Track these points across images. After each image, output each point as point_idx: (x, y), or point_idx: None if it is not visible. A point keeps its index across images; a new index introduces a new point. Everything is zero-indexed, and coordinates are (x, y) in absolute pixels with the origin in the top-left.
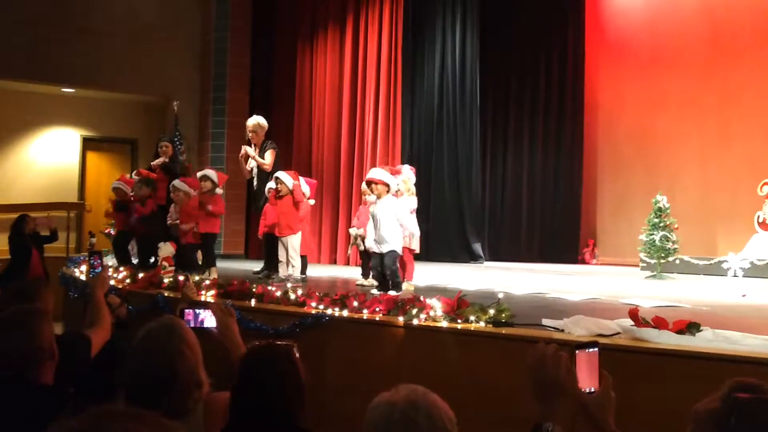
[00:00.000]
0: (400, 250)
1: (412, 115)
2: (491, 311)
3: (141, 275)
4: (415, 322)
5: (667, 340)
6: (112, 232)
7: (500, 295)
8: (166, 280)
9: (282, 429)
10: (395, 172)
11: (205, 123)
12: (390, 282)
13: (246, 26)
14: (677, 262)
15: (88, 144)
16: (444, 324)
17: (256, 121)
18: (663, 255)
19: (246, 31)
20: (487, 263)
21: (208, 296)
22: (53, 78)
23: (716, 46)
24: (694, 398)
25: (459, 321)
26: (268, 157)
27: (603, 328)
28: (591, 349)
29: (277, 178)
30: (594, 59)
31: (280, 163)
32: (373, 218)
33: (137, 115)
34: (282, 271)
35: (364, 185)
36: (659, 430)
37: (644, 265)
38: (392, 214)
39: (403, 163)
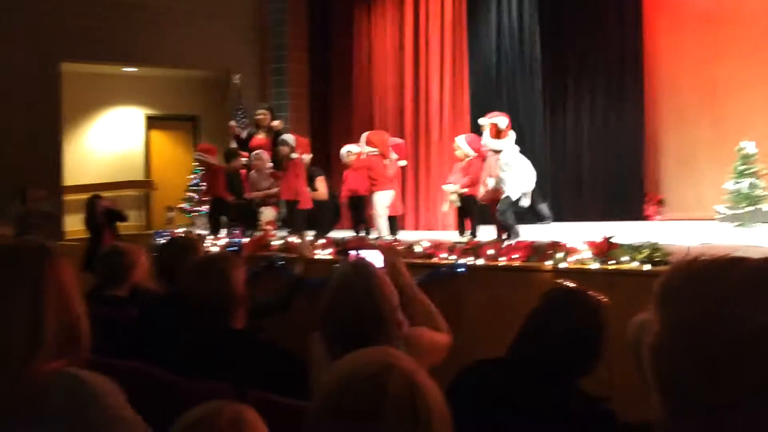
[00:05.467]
0: (513, 195)
1: (470, 76)
2: (645, 251)
3: (246, 240)
4: (564, 266)
5: None
6: (186, 207)
7: (652, 238)
8: (275, 243)
9: (564, 388)
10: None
11: (266, 95)
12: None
13: None
14: (765, 210)
15: (151, 122)
16: (595, 266)
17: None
18: (751, 203)
19: None
20: (553, 224)
21: (325, 254)
22: (114, 57)
23: None
24: None
25: (611, 263)
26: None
27: None
28: None
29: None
30: (652, 8)
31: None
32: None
33: (198, 92)
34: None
35: (456, 141)
36: None
37: (721, 216)
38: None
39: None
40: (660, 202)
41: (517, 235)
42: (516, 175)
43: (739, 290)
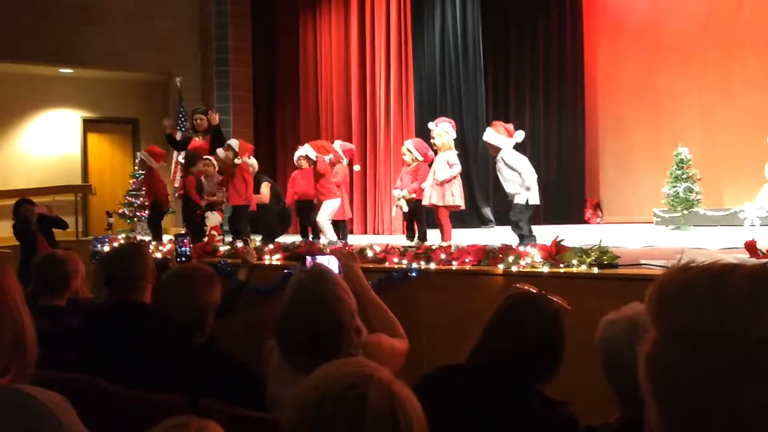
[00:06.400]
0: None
1: (415, 81)
2: (594, 254)
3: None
4: (515, 269)
5: None
6: (126, 212)
7: (600, 240)
8: (222, 249)
9: (526, 394)
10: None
11: (209, 98)
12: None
13: None
14: (700, 213)
15: (88, 125)
16: (545, 269)
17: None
18: (686, 206)
19: (246, 1)
20: (496, 227)
21: (274, 260)
22: (50, 58)
23: None
24: None
25: (560, 266)
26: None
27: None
28: None
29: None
30: (592, 17)
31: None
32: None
33: (138, 94)
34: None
35: (404, 147)
36: None
37: (659, 219)
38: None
39: (417, 129)
40: (596, 206)
41: (532, 240)
42: (517, 176)
43: (737, 298)
